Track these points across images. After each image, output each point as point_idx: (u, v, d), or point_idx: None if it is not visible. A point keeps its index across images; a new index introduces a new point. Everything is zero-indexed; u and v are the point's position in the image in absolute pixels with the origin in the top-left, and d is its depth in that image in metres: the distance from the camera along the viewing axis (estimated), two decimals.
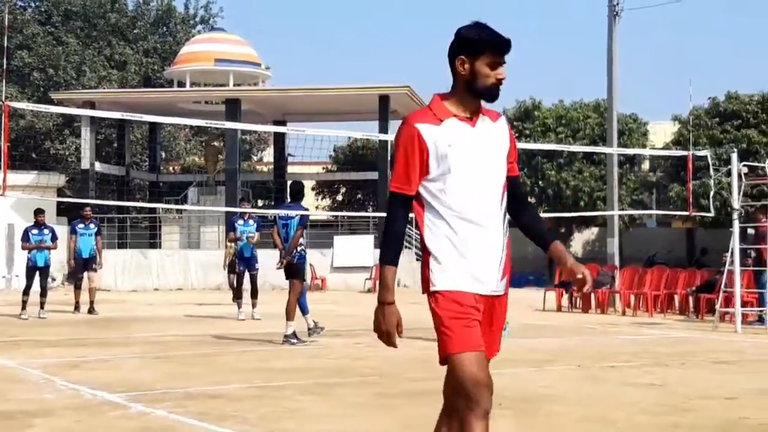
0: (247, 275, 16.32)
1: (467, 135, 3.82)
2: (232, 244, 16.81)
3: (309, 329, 12.27)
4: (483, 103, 3.90)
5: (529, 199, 36.31)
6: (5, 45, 14.05)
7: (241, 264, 16.25)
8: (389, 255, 3.83)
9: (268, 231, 14.56)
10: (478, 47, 3.77)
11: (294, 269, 12.12)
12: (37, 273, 16.74)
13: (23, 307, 16.44)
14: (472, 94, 3.83)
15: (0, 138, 13.77)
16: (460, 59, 3.80)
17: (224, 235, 30.65)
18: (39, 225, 16.88)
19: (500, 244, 3.85)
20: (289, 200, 12.72)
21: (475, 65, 3.78)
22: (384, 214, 3.95)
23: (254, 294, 16.29)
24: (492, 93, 3.82)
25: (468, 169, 3.80)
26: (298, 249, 12.15)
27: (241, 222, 16.42)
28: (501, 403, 7.45)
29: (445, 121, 3.80)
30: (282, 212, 12.43)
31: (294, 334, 11.88)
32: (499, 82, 3.82)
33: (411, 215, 3.88)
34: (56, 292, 26.27)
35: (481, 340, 3.76)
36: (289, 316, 11.91)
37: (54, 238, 16.94)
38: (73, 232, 17.92)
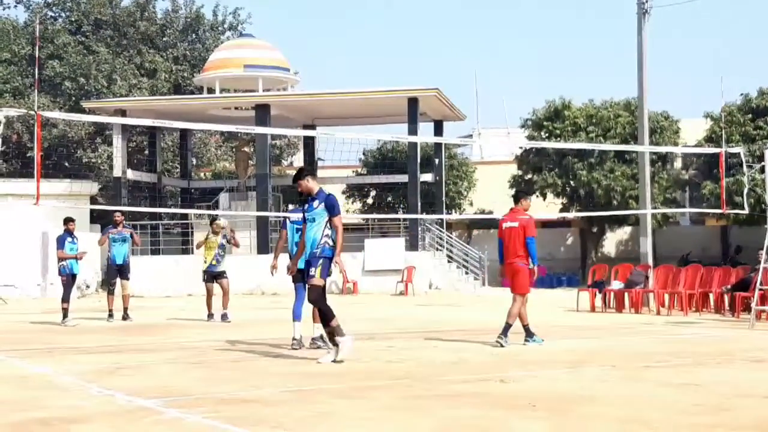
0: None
1: None
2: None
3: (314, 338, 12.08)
4: None
5: (561, 199, 36.09)
6: (37, 55, 14.21)
7: None
8: None
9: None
10: None
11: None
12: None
13: (66, 315, 16.65)
14: None
15: (33, 147, 13.93)
16: None
17: (256, 240, 30.94)
18: (71, 233, 17.03)
19: None
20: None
21: None
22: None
23: None
24: None
25: None
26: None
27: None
28: (535, 404, 7.41)
29: None
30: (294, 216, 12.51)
31: (321, 337, 11.82)
32: None
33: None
34: (90, 299, 26.48)
35: None
36: (315, 318, 11.94)
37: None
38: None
